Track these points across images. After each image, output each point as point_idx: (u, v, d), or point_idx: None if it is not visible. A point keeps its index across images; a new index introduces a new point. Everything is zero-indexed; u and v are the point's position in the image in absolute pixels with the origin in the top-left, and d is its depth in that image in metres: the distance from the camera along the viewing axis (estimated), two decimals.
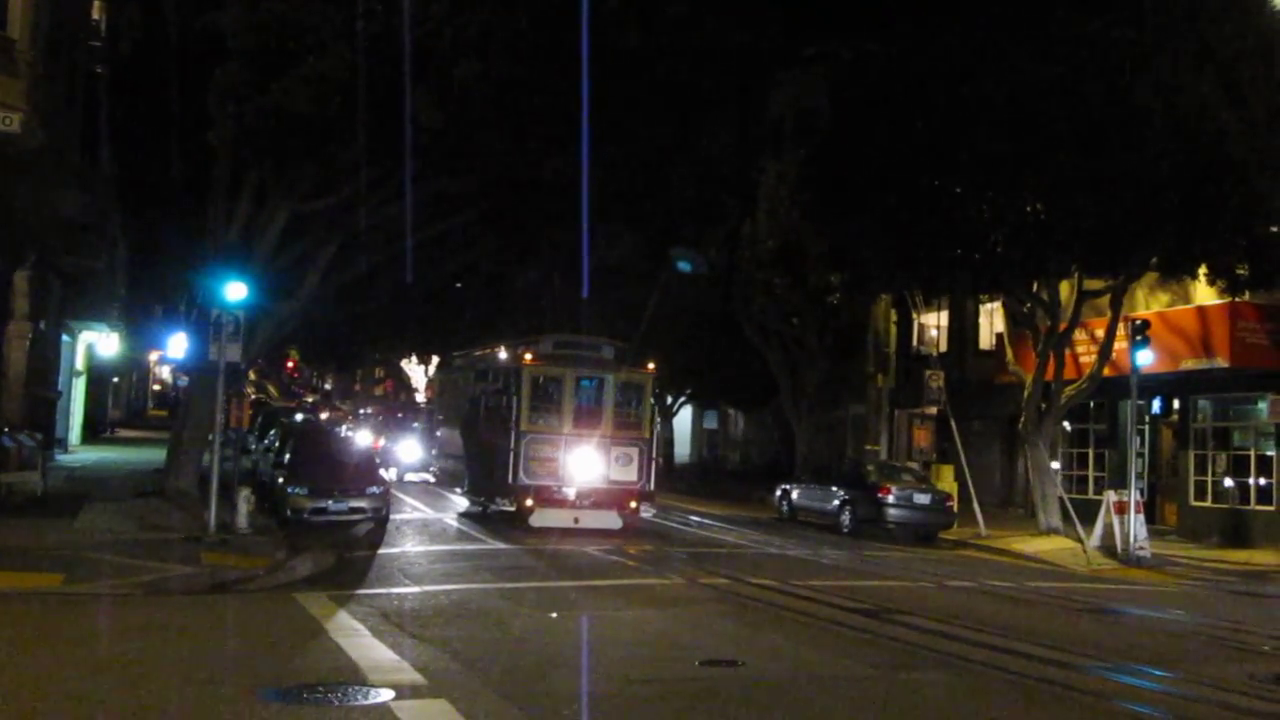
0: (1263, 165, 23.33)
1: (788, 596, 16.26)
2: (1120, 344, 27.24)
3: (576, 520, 23.85)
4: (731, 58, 25.46)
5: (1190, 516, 29.70)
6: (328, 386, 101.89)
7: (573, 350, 25.53)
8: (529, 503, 23.71)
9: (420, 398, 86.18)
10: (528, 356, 24.33)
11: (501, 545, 21.60)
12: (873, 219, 27.63)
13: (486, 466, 25.67)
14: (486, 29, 20.83)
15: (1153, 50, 23.45)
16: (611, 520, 24.26)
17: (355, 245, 25.51)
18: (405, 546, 20.82)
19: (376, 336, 49.54)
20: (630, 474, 24.33)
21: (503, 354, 26.72)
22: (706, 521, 30.07)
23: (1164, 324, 28.14)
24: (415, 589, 15.73)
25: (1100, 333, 28.46)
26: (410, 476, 38.29)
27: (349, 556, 19.04)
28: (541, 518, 23.78)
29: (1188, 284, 28.19)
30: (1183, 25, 23.67)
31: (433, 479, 34.15)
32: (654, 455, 25.53)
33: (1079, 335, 29.81)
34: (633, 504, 24.37)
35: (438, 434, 33.13)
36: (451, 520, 25.98)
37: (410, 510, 27.75)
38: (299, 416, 45.91)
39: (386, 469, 33.25)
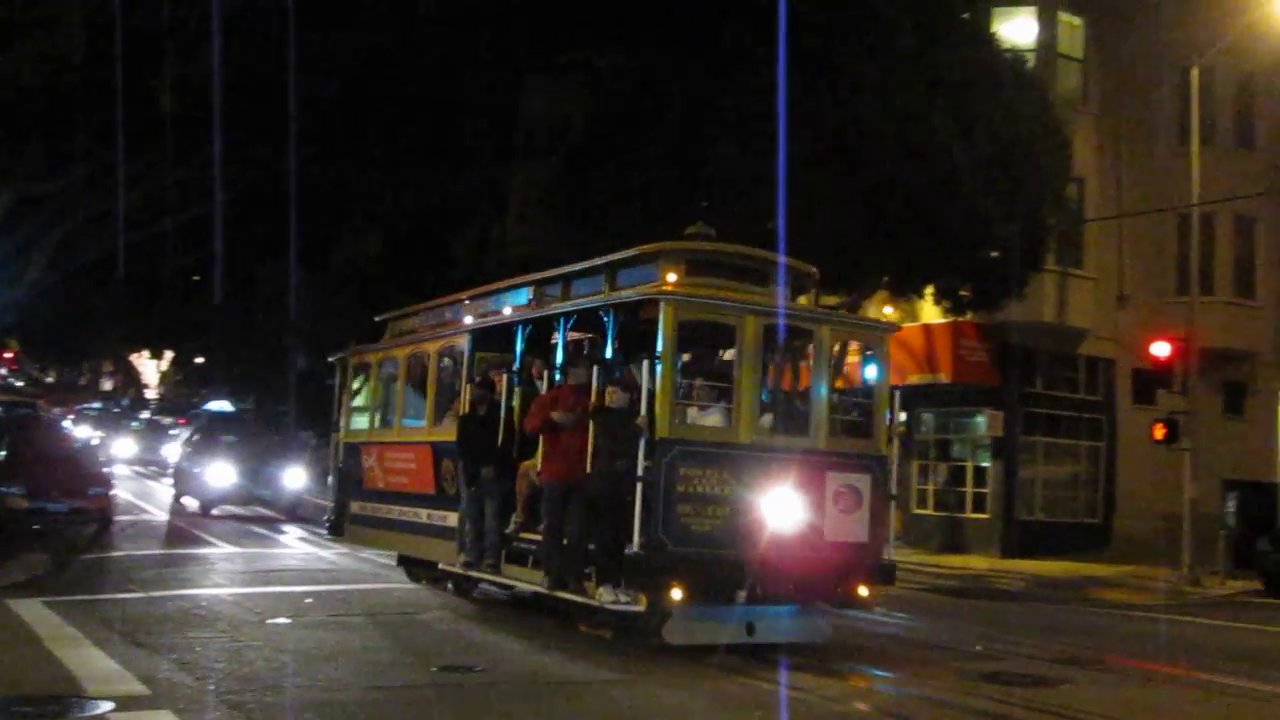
0: (987, 191, 24.66)
1: None
2: (853, 358, 28.40)
3: (751, 630, 12.20)
4: (483, 60, 25.43)
5: (913, 523, 31.22)
6: (50, 380, 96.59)
7: (736, 275, 13.18)
8: (675, 593, 11.54)
9: (150, 394, 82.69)
10: (670, 277, 12.41)
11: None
12: (616, 232, 27.94)
13: (549, 520, 12.71)
14: (231, 17, 20.22)
15: (886, 75, 24.51)
16: (813, 627, 12.96)
17: (87, 232, 24.29)
18: (131, 549, 19.93)
19: (107, 329, 47.29)
20: (856, 525, 12.56)
21: (586, 281, 14.01)
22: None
23: (893, 341, 29.46)
24: (141, 594, 15.09)
25: (836, 348, 29.55)
26: (220, 511, 28.99)
27: (69, 560, 18.11)
28: (688, 627, 11.98)
29: (916, 303, 29.61)
30: (915, 53, 24.85)
31: (329, 526, 19.08)
32: (893, 488, 13.16)
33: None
34: (860, 587, 12.72)
35: (346, 453, 18.52)
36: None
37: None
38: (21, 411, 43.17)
39: (181, 495, 30.75)
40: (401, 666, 11.28)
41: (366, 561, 20.16)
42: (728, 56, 25.58)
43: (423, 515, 15.80)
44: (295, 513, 29.53)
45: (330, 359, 19.26)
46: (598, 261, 13.69)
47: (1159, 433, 24.55)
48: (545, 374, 14.02)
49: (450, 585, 16.21)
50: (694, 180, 25.74)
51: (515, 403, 14.17)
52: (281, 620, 13.73)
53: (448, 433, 14.84)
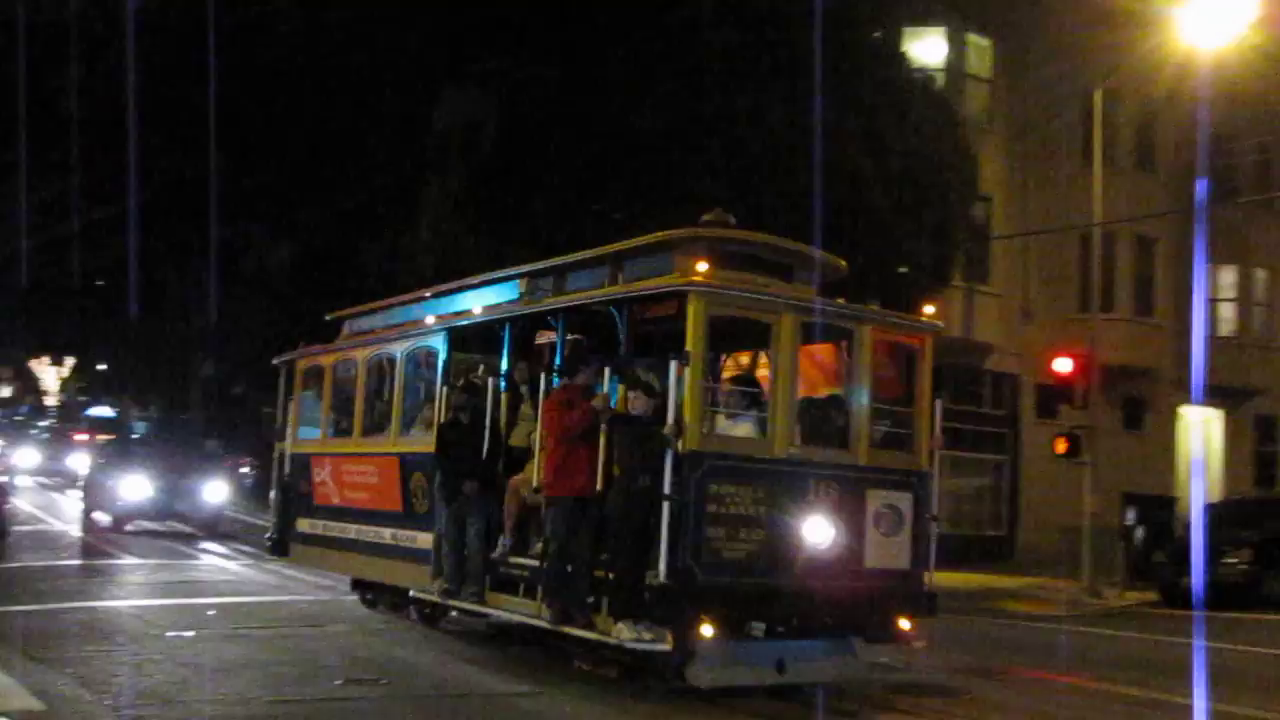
0: (895, 208, 25.03)
1: None
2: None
3: (781, 668, 10.88)
4: (397, 68, 25.31)
5: None
6: None
7: (761, 268, 11.85)
8: (706, 629, 10.14)
9: (50, 401, 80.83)
10: (700, 267, 10.60)
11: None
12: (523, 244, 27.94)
13: (556, 543, 11.10)
14: (140, 16, 19.93)
15: (802, 94, 24.78)
16: (849, 662, 11.59)
17: None
18: (30, 561, 19.48)
19: (6, 334, 46.21)
20: (898, 550, 11.39)
21: (585, 273, 12.48)
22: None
23: (805, 355, 29.72)
24: (38, 606, 14.76)
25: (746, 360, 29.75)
26: (134, 527, 27.61)
27: None
28: (715, 667, 10.54)
29: None
30: (829, 74, 25.15)
31: (271, 545, 17.51)
32: (934, 508, 11.88)
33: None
34: (900, 619, 11.41)
35: (293, 465, 16.92)
36: None
37: None
38: None
39: (92, 510, 28.92)
40: (306, 680, 11.15)
41: (273, 574, 19.89)
42: (640, 71, 25.71)
43: (386, 535, 14.25)
44: (216, 529, 28.19)
45: (275, 361, 17.51)
46: (600, 251, 12.30)
47: (1060, 447, 24.97)
48: (528, 378, 12.77)
49: (414, 613, 14.82)
50: (606, 193, 25.82)
51: (502, 411, 12.69)
52: (184, 633, 13.50)
53: (418, 443, 13.49)
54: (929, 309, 12.55)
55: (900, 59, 27.52)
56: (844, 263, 12.97)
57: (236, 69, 20.48)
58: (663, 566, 10.06)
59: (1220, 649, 16.41)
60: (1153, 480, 29.93)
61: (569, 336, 12.31)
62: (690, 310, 10.40)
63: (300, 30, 21.44)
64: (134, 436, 40.34)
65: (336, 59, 22.74)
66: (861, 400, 11.54)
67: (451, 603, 13.02)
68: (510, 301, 13.20)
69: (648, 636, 10.09)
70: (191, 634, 13.52)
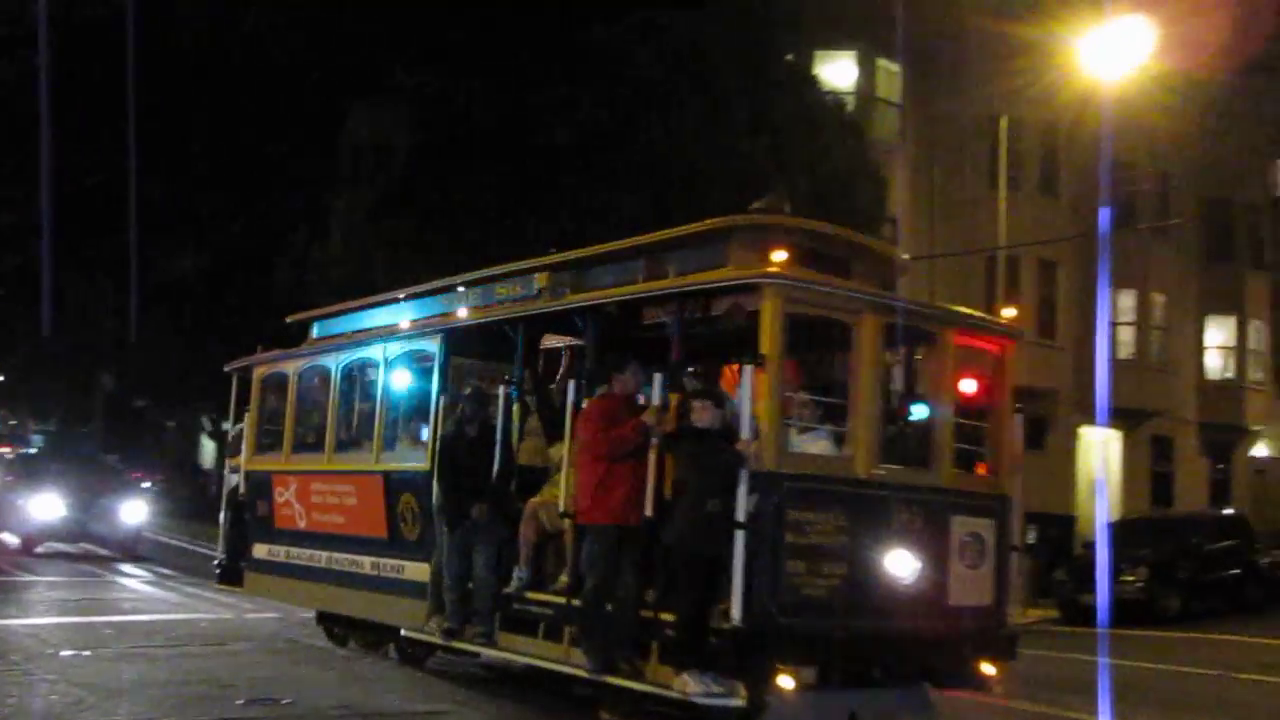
0: None
1: None
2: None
3: None
4: (310, 75, 25.08)
5: None
6: None
7: (824, 265, 10.27)
8: (784, 680, 8.72)
9: None
10: (777, 256, 9.34)
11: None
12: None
13: (596, 578, 9.58)
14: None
15: (712, 111, 25.01)
16: (922, 711, 10.12)
17: None
18: None
19: None
20: (981, 585, 10.10)
21: (614, 267, 11.17)
22: None
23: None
24: None
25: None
26: (45, 549, 26.24)
27: None
28: None
29: None
30: (739, 91, 25.41)
31: (219, 573, 16.13)
32: (1016, 537, 10.66)
33: None
34: (983, 664, 10.05)
35: (249, 484, 15.30)
36: None
37: None
38: None
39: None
40: (206, 700, 10.92)
41: (174, 590, 19.52)
42: (561, 89, 25.79)
43: (365, 565, 12.64)
44: (134, 551, 26.73)
45: (228, 368, 15.89)
46: (633, 241, 10.95)
47: None
48: (533, 388, 11.53)
49: (395, 651, 13.24)
50: (528, 207, 25.82)
51: (514, 423, 11.05)
52: (81, 652, 13.17)
53: (408, 460, 12.04)
54: (1009, 311, 11.31)
55: (812, 81, 27.89)
56: (906, 255, 11.59)
57: (144, 72, 20.11)
58: (737, 608, 8.55)
59: (1121, 665, 16.73)
60: (1055, 499, 30.45)
61: (572, 343, 11.27)
62: (767, 307, 8.92)
63: (210, 36, 21.15)
64: (30, 452, 38.97)
65: (250, 65, 22.46)
66: (945, 414, 10.02)
67: (456, 644, 11.24)
68: (518, 300, 11.50)
69: (718, 690, 8.54)
70: (89, 653, 13.18)
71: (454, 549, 10.91)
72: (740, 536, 8.55)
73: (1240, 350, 39.17)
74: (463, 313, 12.10)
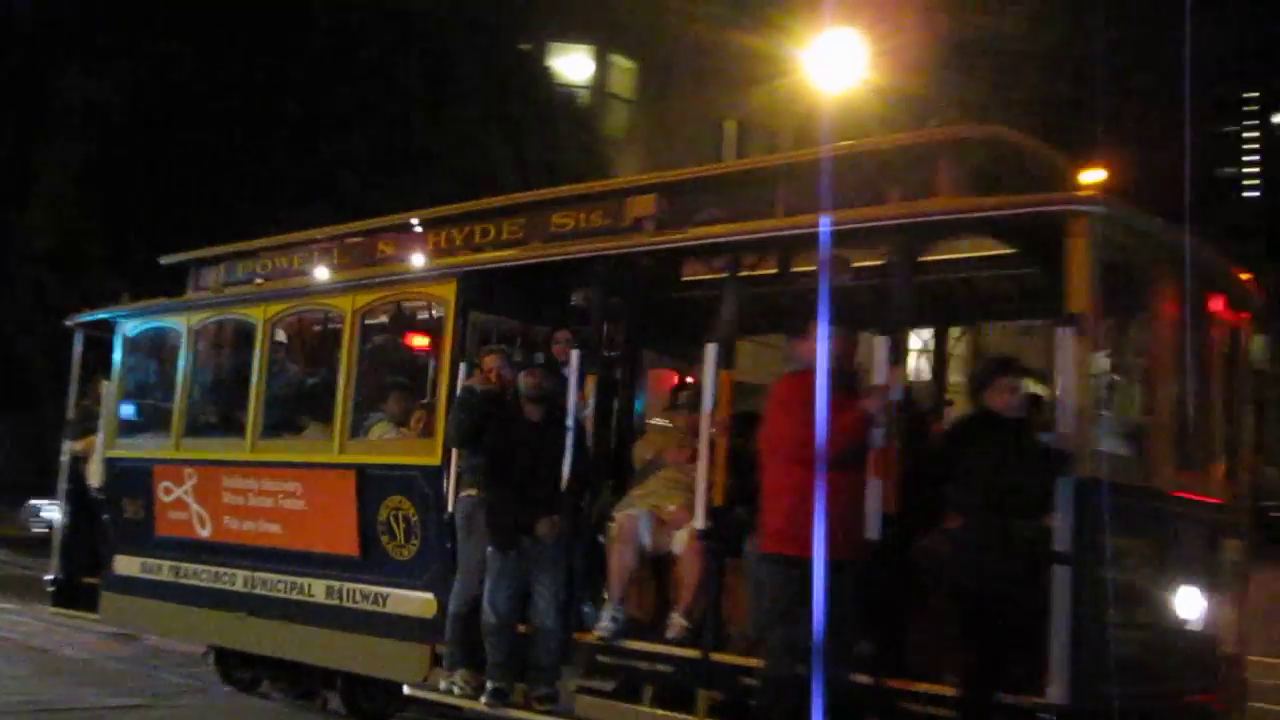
0: None
1: None
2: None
3: None
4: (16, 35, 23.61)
5: None
6: None
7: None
8: None
9: None
10: (1092, 176, 8.09)
11: None
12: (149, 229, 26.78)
13: (780, 630, 5.98)
14: None
15: (446, 100, 24.85)
16: None
17: None
18: None
19: None
20: (1235, 624, 7.15)
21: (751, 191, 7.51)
22: None
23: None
24: None
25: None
26: None
27: None
28: None
29: None
30: (474, 80, 25.33)
31: (54, 591, 11.73)
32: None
33: None
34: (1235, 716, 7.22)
35: (111, 477, 11.03)
36: None
37: None
38: None
39: None
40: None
41: None
42: (283, 61, 25.13)
43: (318, 591, 9.13)
44: None
45: (69, 322, 11.93)
46: (778, 160, 7.89)
47: None
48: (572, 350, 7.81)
49: (344, 704, 9.39)
50: (255, 179, 25.04)
51: (589, 404, 7.76)
52: None
53: (397, 451, 8.75)
54: (1245, 275, 7.78)
55: (546, 73, 28.07)
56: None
57: None
58: (1061, 679, 5.67)
59: None
60: None
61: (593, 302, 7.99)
62: (1077, 245, 5.93)
63: None
64: None
65: None
66: (1215, 401, 7.26)
67: (513, 714, 7.71)
68: (598, 234, 8.06)
69: None
70: None
71: (505, 579, 7.64)
72: (1065, 576, 5.75)
73: None
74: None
